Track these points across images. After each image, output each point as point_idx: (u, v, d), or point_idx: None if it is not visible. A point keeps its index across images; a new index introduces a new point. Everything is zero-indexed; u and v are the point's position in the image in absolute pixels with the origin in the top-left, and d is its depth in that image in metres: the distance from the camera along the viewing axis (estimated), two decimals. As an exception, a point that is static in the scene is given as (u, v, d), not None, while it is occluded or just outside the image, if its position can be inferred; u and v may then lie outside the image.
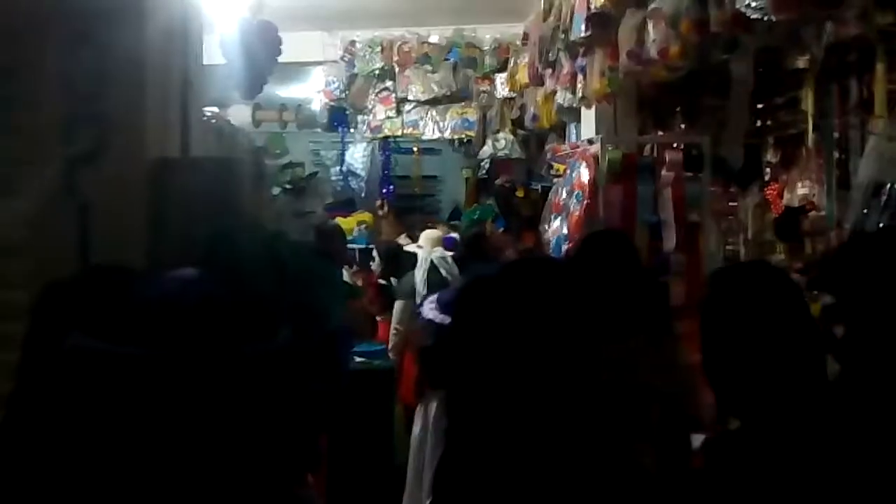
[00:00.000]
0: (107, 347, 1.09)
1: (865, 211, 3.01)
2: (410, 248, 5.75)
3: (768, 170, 5.17)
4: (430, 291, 4.47)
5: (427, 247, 5.32)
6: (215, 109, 3.84)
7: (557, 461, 1.47)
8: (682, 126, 5.26)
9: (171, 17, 2.86)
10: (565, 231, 3.89)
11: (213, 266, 2.10)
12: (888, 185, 2.94)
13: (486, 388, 1.58)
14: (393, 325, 4.91)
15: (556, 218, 4.19)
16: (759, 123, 5.09)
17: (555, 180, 4.79)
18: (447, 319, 2.33)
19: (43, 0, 2.52)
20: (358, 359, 4.39)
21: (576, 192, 3.84)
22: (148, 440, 1.10)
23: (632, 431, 2.19)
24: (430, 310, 2.49)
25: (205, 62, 3.30)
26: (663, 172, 3.81)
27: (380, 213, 7.54)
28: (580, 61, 4.60)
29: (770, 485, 1.39)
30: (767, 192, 5.08)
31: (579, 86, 4.64)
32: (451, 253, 5.18)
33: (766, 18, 2.95)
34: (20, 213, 2.46)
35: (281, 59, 3.94)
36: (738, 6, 2.84)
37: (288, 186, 4.55)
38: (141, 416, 1.09)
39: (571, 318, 1.56)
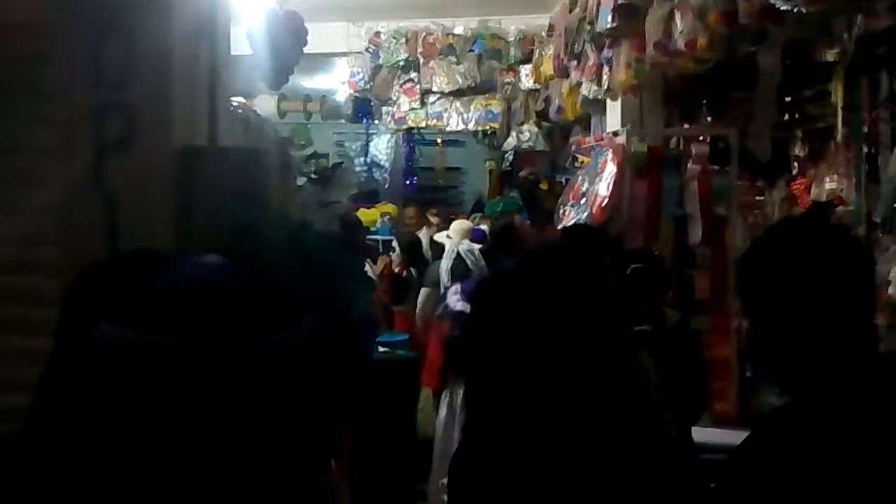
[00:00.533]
0: (133, 335, 1.10)
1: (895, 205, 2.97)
2: (440, 237, 5.76)
3: (796, 164, 5.10)
4: (454, 282, 4.49)
5: (456, 238, 5.33)
6: (242, 100, 3.86)
7: (569, 457, 1.47)
8: (709, 119, 5.22)
9: (199, 6, 2.88)
10: (585, 215, 3.87)
11: (239, 255, 2.11)
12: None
13: (502, 380, 1.59)
14: (417, 311, 4.99)
15: (573, 207, 4.17)
16: (786, 117, 5.03)
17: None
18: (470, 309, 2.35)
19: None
20: (381, 349, 4.41)
21: (602, 176, 3.82)
22: (171, 429, 1.11)
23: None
24: (455, 300, 2.50)
25: (231, 52, 3.31)
26: (689, 165, 3.78)
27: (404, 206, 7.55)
28: (606, 53, 4.57)
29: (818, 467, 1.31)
30: (795, 186, 5.02)
31: (605, 77, 4.62)
32: (478, 245, 5.19)
33: (795, 10, 2.92)
34: (49, 202, 2.49)
35: (306, 49, 3.95)
36: (767, -3, 2.81)
37: (313, 177, 4.57)
38: (166, 405, 1.09)
39: (585, 309, 1.56)
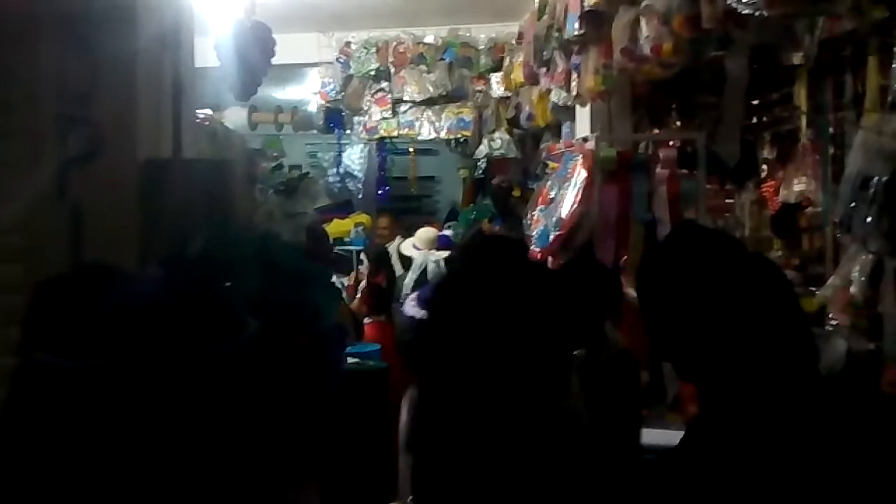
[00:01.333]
0: (55, 361, 1.08)
1: (853, 205, 3.00)
2: (406, 248, 5.76)
3: (764, 166, 5.16)
4: (418, 293, 4.50)
5: (424, 248, 5.33)
6: (209, 112, 3.84)
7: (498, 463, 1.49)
8: (677, 123, 5.26)
9: (164, 19, 2.87)
10: (554, 219, 3.88)
11: (203, 266, 2.10)
12: (875, 179, 2.93)
13: (448, 378, 1.60)
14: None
15: (541, 212, 4.18)
16: (754, 120, 5.09)
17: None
18: (424, 314, 2.35)
19: (35, 3, 2.52)
20: (351, 360, 4.38)
21: (571, 181, 3.84)
22: (117, 453, 1.09)
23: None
24: (411, 307, 2.49)
25: (199, 64, 3.30)
26: (658, 170, 3.81)
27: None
28: (574, 59, 4.60)
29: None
30: (764, 188, 5.07)
31: (574, 84, 4.64)
32: (445, 252, 5.20)
33: (758, 14, 2.94)
34: (13, 216, 2.46)
35: (276, 60, 3.94)
36: (729, 2, 2.83)
37: (280, 188, 4.56)
38: (104, 428, 1.08)
39: (533, 311, 1.57)
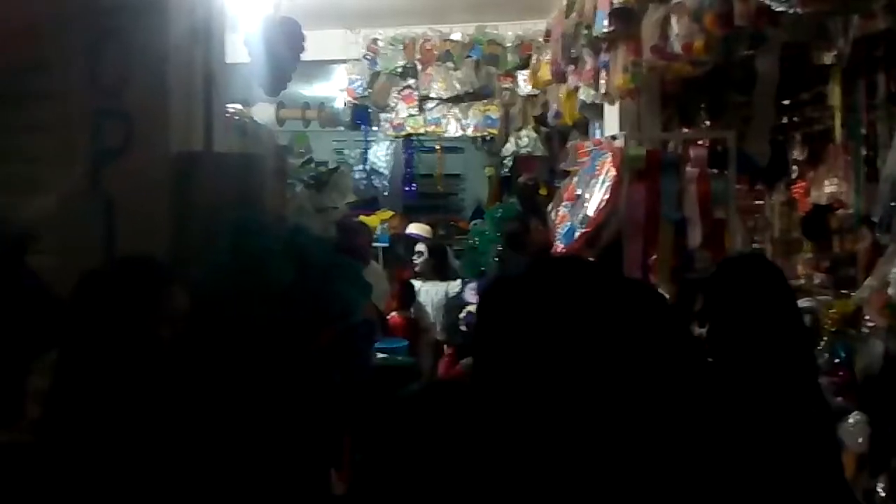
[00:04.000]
0: None
1: (893, 204, 2.97)
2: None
3: (795, 167, 5.10)
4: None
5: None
6: (239, 107, 3.86)
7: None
8: (707, 122, 5.21)
9: (195, 14, 2.88)
10: (581, 217, 3.85)
11: (234, 259, 2.12)
12: (916, 179, 2.89)
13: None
14: None
15: (567, 208, 4.16)
16: (785, 120, 5.03)
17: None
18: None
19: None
20: (380, 355, 4.39)
21: (599, 179, 3.81)
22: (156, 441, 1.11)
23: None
24: (472, 295, 2.50)
25: (229, 60, 3.31)
26: (688, 169, 3.77)
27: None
28: (603, 57, 4.57)
29: None
30: (794, 189, 5.01)
31: (602, 82, 4.62)
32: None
33: (791, 11, 2.91)
34: (46, 209, 2.49)
35: (304, 57, 3.95)
36: (762, -1, 2.81)
37: (310, 182, 4.58)
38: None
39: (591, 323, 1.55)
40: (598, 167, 3.99)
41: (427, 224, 7.26)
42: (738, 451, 1.66)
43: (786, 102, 4.92)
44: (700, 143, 4.04)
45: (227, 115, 3.27)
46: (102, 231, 2.35)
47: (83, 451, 1.46)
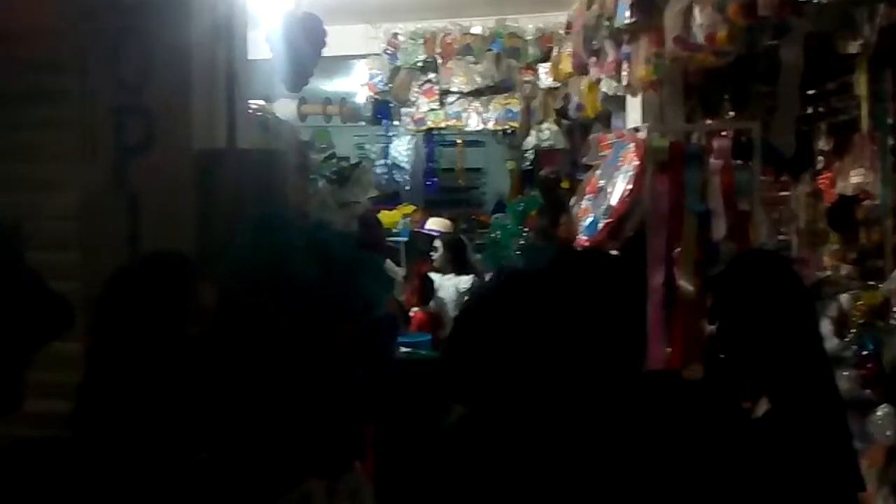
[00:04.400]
0: None
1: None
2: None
3: (821, 157, 5.04)
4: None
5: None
6: (261, 103, 3.87)
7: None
8: (731, 113, 5.16)
9: (216, 11, 2.89)
10: (604, 208, 3.83)
11: (258, 254, 2.12)
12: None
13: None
14: None
15: (589, 200, 4.13)
16: (810, 110, 4.97)
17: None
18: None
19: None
20: (403, 349, 4.40)
21: (622, 170, 3.78)
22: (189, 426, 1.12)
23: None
24: None
25: (251, 56, 3.32)
26: (712, 160, 3.74)
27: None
28: (625, 49, 4.54)
29: None
30: (820, 180, 4.95)
31: (624, 73, 4.58)
32: None
33: (816, 1, 2.88)
34: (70, 206, 2.51)
35: (325, 52, 3.95)
36: (787, -12, 2.77)
37: (332, 177, 4.58)
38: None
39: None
40: (621, 159, 3.96)
41: (448, 218, 7.25)
42: (748, 446, 1.64)
43: (811, 92, 4.86)
44: (724, 134, 3.99)
45: (249, 111, 3.28)
46: (126, 228, 2.37)
47: (114, 443, 1.47)
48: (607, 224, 3.80)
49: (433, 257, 6.04)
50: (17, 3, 2.52)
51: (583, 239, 4.02)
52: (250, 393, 1.76)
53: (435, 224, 6.77)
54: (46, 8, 2.53)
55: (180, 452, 1.58)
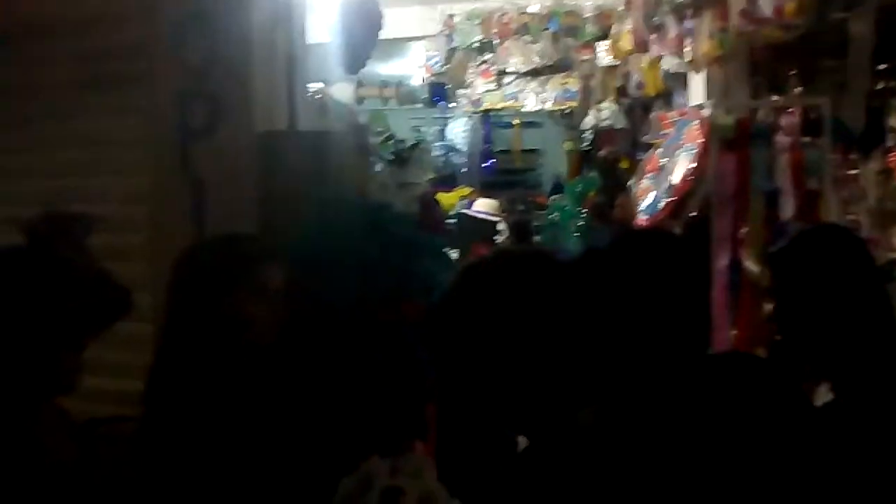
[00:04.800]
0: None
1: None
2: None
3: (892, 134, 4.87)
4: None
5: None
6: (320, 86, 3.88)
7: None
8: (798, 90, 5.01)
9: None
10: (665, 187, 3.76)
11: (320, 236, 2.13)
12: None
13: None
14: None
15: (650, 179, 4.06)
16: (881, 85, 4.80)
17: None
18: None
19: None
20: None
21: (685, 148, 3.71)
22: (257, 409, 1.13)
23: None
24: None
25: (309, 40, 3.33)
26: (779, 138, 3.63)
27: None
28: (687, 24, 4.44)
29: None
30: (891, 158, 4.78)
31: (687, 50, 4.49)
32: None
33: (890, -30, 2.76)
34: (137, 189, 2.56)
35: (382, 35, 3.94)
36: (861, -43, 2.66)
37: (392, 159, 4.60)
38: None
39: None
40: (683, 137, 3.89)
41: (502, 200, 7.18)
42: (810, 435, 1.57)
43: (882, 67, 4.69)
44: (791, 110, 3.88)
45: (309, 94, 3.29)
46: (191, 211, 2.40)
47: (184, 423, 1.49)
48: (669, 202, 3.74)
49: (496, 240, 6.00)
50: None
51: (643, 218, 3.96)
52: (314, 372, 1.77)
53: (482, 206, 6.70)
54: None
55: (248, 430, 1.60)
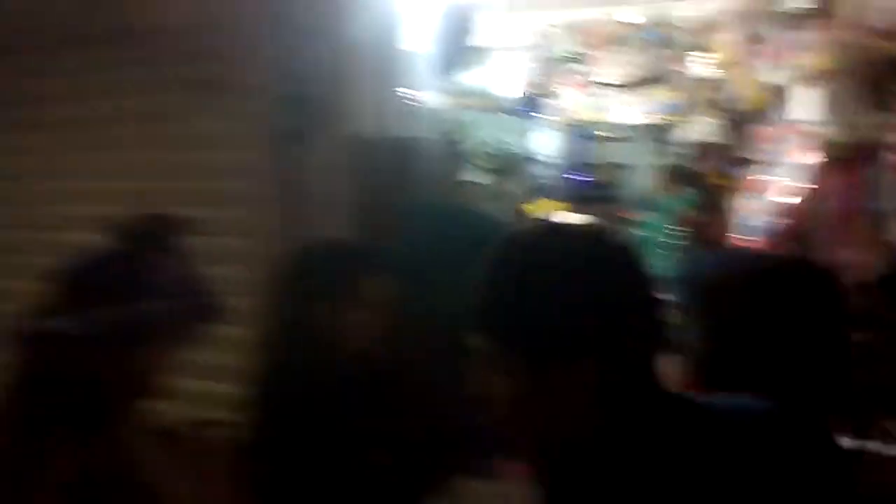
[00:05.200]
0: None
1: None
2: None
3: None
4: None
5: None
6: (413, 93, 3.88)
7: None
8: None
9: (374, 4, 2.90)
10: (766, 206, 3.61)
11: (415, 241, 2.10)
12: None
13: None
14: None
15: (751, 198, 3.92)
16: None
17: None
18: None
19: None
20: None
21: (789, 165, 3.55)
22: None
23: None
24: None
25: (404, 47, 3.33)
26: (892, 156, 3.45)
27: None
28: (793, 35, 4.26)
29: None
30: None
31: (792, 62, 4.30)
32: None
33: None
34: (239, 193, 2.58)
35: (475, 43, 3.93)
36: None
37: (484, 167, 4.56)
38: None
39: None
40: (786, 154, 3.73)
41: (590, 215, 7.07)
42: None
43: None
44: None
45: (403, 101, 3.29)
46: (290, 215, 2.40)
47: (285, 434, 1.47)
48: (772, 224, 3.58)
49: None
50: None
51: (745, 238, 3.82)
52: (410, 385, 1.73)
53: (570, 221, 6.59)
54: (228, 2, 2.61)
55: (347, 440, 1.57)
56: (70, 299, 1.97)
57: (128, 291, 1.60)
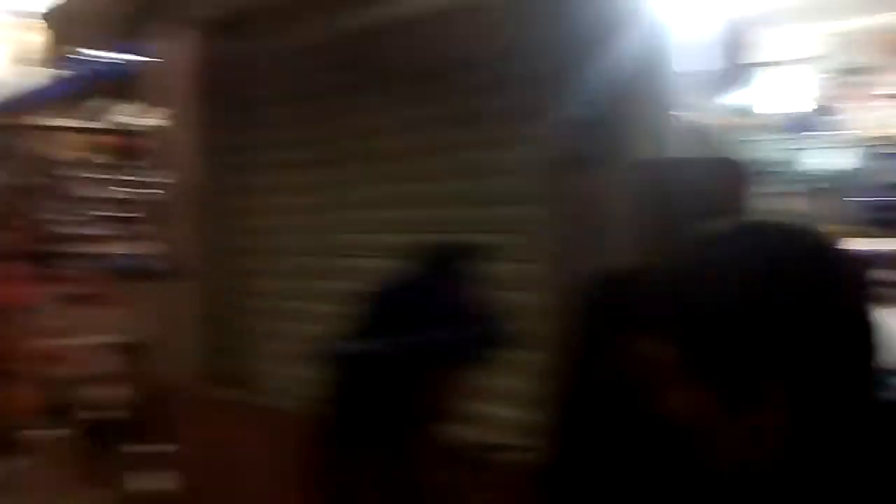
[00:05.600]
0: None
1: None
2: None
3: None
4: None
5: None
6: (690, 113, 3.78)
7: None
8: None
9: (653, 26, 2.86)
10: None
11: (719, 266, 1.97)
12: None
13: None
14: None
15: None
16: None
17: None
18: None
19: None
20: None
21: None
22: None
23: None
24: None
25: (678, 67, 3.27)
26: None
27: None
28: None
29: None
30: None
31: None
32: None
33: None
34: (528, 218, 2.61)
35: (751, 59, 3.79)
36: None
37: (773, 189, 4.31)
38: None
39: None
40: None
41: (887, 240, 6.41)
42: None
43: None
44: None
45: (683, 121, 3.20)
46: (579, 240, 2.39)
47: (584, 465, 1.43)
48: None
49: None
50: (502, 26, 2.70)
51: None
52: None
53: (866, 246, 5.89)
54: (527, 28, 2.68)
55: (641, 482, 1.50)
56: (375, 322, 2.07)
57: (428, 315, 1.65)
